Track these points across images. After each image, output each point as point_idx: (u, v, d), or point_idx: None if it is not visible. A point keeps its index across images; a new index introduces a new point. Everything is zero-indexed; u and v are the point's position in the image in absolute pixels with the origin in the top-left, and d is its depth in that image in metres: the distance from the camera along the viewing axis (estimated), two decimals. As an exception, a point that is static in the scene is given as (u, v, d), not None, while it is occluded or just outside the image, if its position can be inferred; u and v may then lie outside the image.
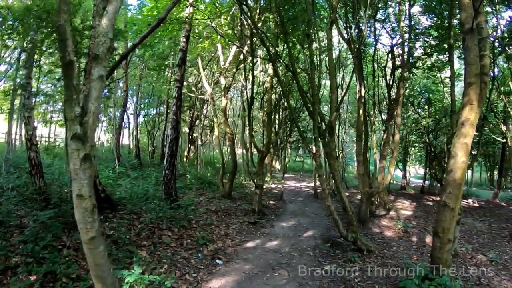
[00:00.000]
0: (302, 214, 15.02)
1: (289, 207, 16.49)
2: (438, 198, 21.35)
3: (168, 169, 12.29)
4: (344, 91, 14.27)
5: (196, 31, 15.60)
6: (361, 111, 13.53)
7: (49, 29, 9.66)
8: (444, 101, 21.51)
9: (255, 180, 13.65)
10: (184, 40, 12.70)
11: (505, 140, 17.40)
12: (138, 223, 9.66)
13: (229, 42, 14.95)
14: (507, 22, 14.94)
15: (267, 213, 14.15)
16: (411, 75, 18.12)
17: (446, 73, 21.28)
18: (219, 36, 14.62)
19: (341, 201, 9.76)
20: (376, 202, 15.32)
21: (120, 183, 14.90)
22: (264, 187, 19.55)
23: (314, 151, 9.69)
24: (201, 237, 9.52)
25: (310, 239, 11.08)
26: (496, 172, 37.97)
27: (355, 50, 13.12)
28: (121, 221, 9.39)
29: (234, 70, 17.16)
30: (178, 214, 10.81)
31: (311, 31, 10.06)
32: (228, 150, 18.47)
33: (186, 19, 12.57)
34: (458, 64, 21.49)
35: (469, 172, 20.81)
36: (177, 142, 12.60)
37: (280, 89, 22.96)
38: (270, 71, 14.32)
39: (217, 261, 8.34)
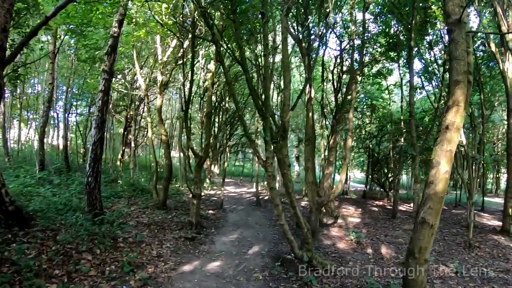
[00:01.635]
0: (245, 225, 13.46)
1: (230, 217, 14.84)
2: (381, 203, 21.34)
3: (91, 176, 10.26)
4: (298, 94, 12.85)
5: (133, 20, 13.60)
6: (310, 114, 12.17)
7: None
8: (389, 108, 20.78)
9: (192, 189, 11.84)
10: (117, 25, 10.77)
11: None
12: (53, 244, 7.73)
13: (168, 32, 13.07)
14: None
15: (206, 225, 12.42)
16: (361, 78, 17.21)
17: (389, 80, 20.92)
18: (158, 26, 12.76)
19: (295, 217, 8.34)
20: (323, 210, 14.05)
21: (40, 191, 12.77)
22: (203, 194, 17.88)
23: (264, 159, 8.01)
24: (128, 262, 7.67)
25: (256, 257, 9.55)
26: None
27: (305, 48, 11.83)
28: (32, 241, 7.51)
29: (173, 65, 15.25)
30: (102, 231, 8.91)
31: (267, 8, 8.44)
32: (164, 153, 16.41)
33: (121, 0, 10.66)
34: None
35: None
36: (102, 144, 10.54)
37: (221, 89, 21.75)
38: (212, 66, 12.58)
39: (146, 294, 6.57)
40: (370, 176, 26.00)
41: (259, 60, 11.27)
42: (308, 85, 12.19)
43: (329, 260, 9.31)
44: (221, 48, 10.24)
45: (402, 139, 18.28)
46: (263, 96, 7.98)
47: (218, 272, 8.05)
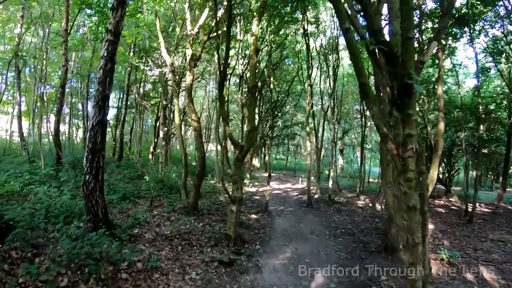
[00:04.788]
0: (298, 235, 9.81)
1: (277, 223, 11.17)
2: (442, 202, 17.84)
3: (89, 173, 7.00)
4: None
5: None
6: (387, 89, 8.52)
7: None
8: (459, 90, 16.93)
9: (231, 191, 8.23)
10: (124, -28, 7.53)
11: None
12: (20, 274, 4.91)
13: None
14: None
15: (248, 238, 8.84)
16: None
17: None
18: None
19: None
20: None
21: (39, 190, 9.73)
22: (244, 192, 14.50)
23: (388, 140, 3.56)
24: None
25: (325, 294, 5.95)
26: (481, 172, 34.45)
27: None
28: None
29: (205, 38, 11.89)
30: (98, 252, 5.74)
31: None
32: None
33: None
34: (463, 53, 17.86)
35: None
36: (103, 129, 7.19)
37: (262, 72, 18.57)
38: (255, 28, 9.00)
39: None
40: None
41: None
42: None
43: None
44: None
45: (482, 127, 14.54)
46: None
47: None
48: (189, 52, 11.29)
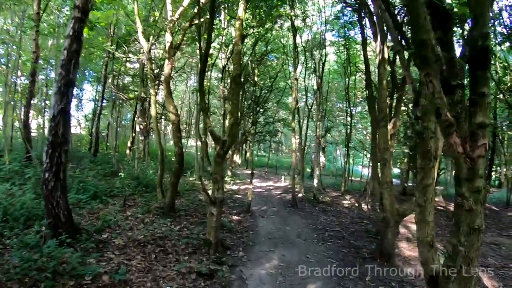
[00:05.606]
0: (284, 239, 8.97)
1: (261, 225, 10.28)
2: None
3: (49, 170, 5.99)
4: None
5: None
6: (384, 82, 7.82)
7: None
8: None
9: (211, 191, 7.31)
10: None
11: None
12: None
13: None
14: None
15: (230, 244, 7.92)
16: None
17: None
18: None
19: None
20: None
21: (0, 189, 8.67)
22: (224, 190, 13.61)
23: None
24: None
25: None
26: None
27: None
28: None
29: (187, 24, 10.90)
30: (55, 264, 4.82)
31: None
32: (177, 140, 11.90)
33: None
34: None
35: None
36: (65, 120, 6.15)
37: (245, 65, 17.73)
38: (241, 12, 8.10)
39: None
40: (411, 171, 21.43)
41: None
42: (380, 41, 7.83)
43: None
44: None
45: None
46: None
47: None
48: (168, 38, 10.26)
